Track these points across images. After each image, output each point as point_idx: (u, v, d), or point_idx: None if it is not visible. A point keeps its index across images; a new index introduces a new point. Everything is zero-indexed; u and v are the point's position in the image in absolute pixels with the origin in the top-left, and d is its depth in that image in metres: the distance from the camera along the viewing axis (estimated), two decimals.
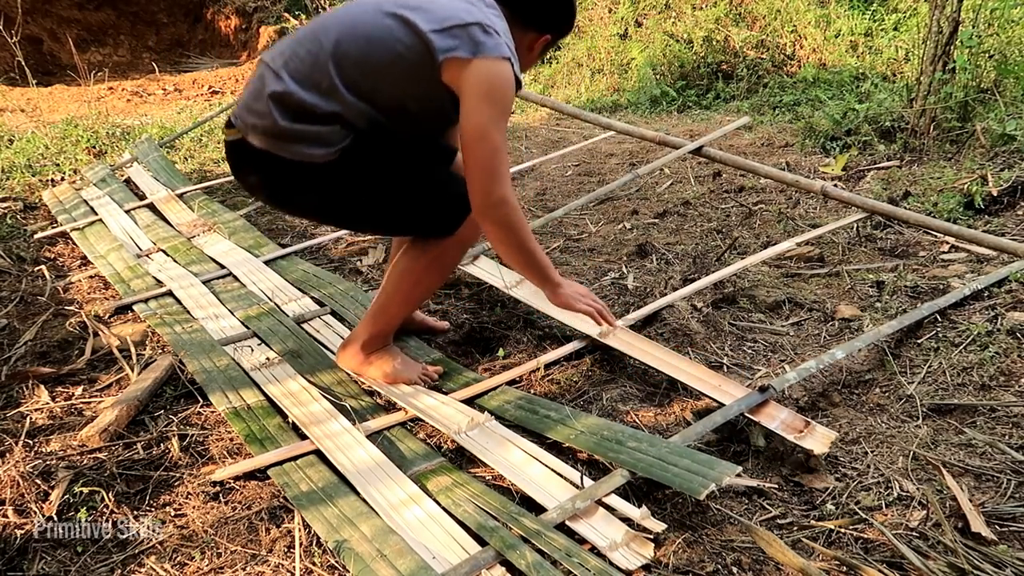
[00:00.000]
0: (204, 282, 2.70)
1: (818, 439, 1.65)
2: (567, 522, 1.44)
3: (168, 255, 3.03)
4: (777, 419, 1.72)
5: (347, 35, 1.66)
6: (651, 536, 1.40)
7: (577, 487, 1.54)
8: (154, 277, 2.77)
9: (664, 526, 1.42)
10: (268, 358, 2.13)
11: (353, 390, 1.99)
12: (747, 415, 1.75)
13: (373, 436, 1.78)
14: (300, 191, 1.77)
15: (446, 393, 1.96)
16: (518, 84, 1.67)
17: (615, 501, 1.48)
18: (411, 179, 1.82)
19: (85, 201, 3.68)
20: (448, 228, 1.84)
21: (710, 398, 1.85)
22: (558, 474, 1.59)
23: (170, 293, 2.62)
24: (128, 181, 4.10)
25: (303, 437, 1.76)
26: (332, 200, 1.80)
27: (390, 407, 1.93)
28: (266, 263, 2.87)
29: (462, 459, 1.73)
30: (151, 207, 3.62)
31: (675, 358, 2.01)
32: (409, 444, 1.76)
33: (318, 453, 1.71)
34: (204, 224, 3.32)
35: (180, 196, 3.70)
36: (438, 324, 2.35)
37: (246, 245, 3.05)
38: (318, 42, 1.67)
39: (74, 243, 3.25)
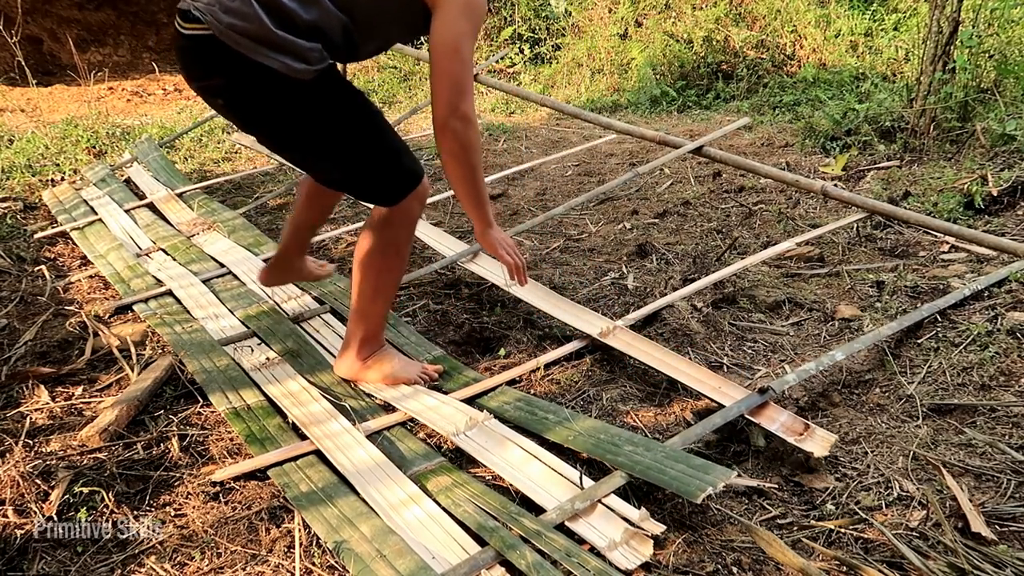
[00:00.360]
0: (204, 281, 2.70)
1: (818, 442, 1.65)
2: (566, 522, 1.44)
3: (168, 254, 3.03)
4: (777, 421, 1.72)
5: None
6: (650, 536, 1.40)
7: (578, 487, 1.54)
8: (154, 276, 2.77)
9: (663, 527, 1.42)
10: (268, 358, 2.13)
11: (352, 390, 1.99)
12: (747, 416, 1.75)
13: (373, 436, 1.78)
14: (267, 103, 1.70)
15: (446, 393, 1.96)
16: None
17: (614, 502, 1.48)
18: (373, 129, 1.80)
19: (85, 201, 3.68)
20: (393, 197, 1.82)
21: (709, 399, 1.85)
22: (559, 473, 1.59)
23: (170, 293, 2.62)
24: (128, 181, 4.10)
25: (303, 437, 1.77)
26: (297, 121, 1.74)
27: (390, 407, 1.93)
28: (265, 261, 2.87)
29: (462, 459, 1.73)
30: (151, 206, 3.62)
31: (675, 359, 2.01)
32: (409, 444, 1.76)
33: (318, 453, 1.71)
34: (203, 223, 3.32)
35: (180, 196, 3.70)
36: (322, 270, 2.31)
37: (246, 244, 3.05)
38: None
39: (74, 243, 3.25)
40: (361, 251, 1.89)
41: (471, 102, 1.68)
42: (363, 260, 1.88)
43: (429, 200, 3.97)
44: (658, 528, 1.41)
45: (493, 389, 1.97)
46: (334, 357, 2.14)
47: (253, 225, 3.30)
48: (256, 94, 1.69)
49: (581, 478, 1.55)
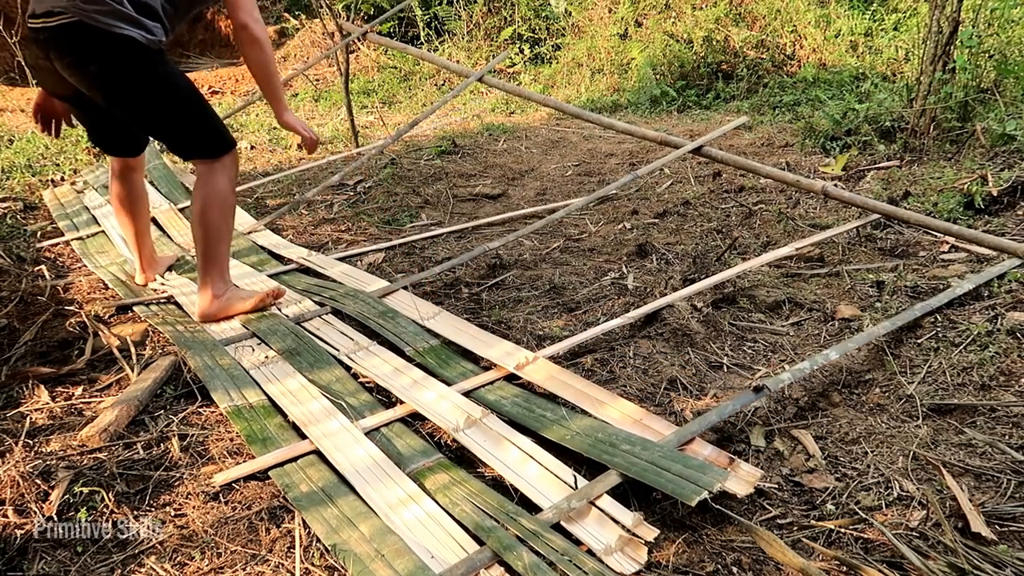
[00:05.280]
0: None
1: (742, 477, 1.54)
2: (563, 523, 1.44)
3: (170, 269, 2.98)
4: (701, 455, 1.62)
5: None
6: (644, 543, 1.39)
7: (572, 487, 1.53)
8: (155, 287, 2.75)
9: (656, 532, 1.41)
10: (267, 356, 2.13)
11: (351, 387, 1.99)
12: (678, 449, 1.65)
13: (371, 433, 1.78)
14: (130, 72, 2.10)
15: (448, 384, 1.96)
16: None
17: (609, 505, 1.47)
18: (201, 97, 2.27)
19: (87, 208, 3.65)
20: (219, 150, 2.28)
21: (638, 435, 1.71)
22: (554, 474, 1.59)
23: (171, 299, 2.60)
24: None
25: (303, 436, 1.76)
26: (153, 88, 2.15)
27: (388, 404, 1.93)
28: (269, 276, 2.83)
29: (460, 456, 1.73)
30: (153, 220, 3.56)
31: (597, 391, 1.88)
32: (407, 440, 1.76)
33: (318, 453, 1.71)
34: None
35: (182, 211, 3.65)
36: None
37: (250, 263, 3.00)
38: None
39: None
40: (199, 209, 2.29)
41: (254, 11, 2.19)
42: (203, 216, 2.29)
43: (431, 201, 3.98)
44: (652, 533, 1.40)
45: (491, 383, 1.98)
46: (335, 353, 2.14)
47: (259, 248, 3.19)
48: (121, 64, 2.09)
49: (576, 479, 1.55)
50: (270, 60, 2.26)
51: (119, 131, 2.44)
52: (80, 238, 3.30)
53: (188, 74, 2.32)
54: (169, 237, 3.38)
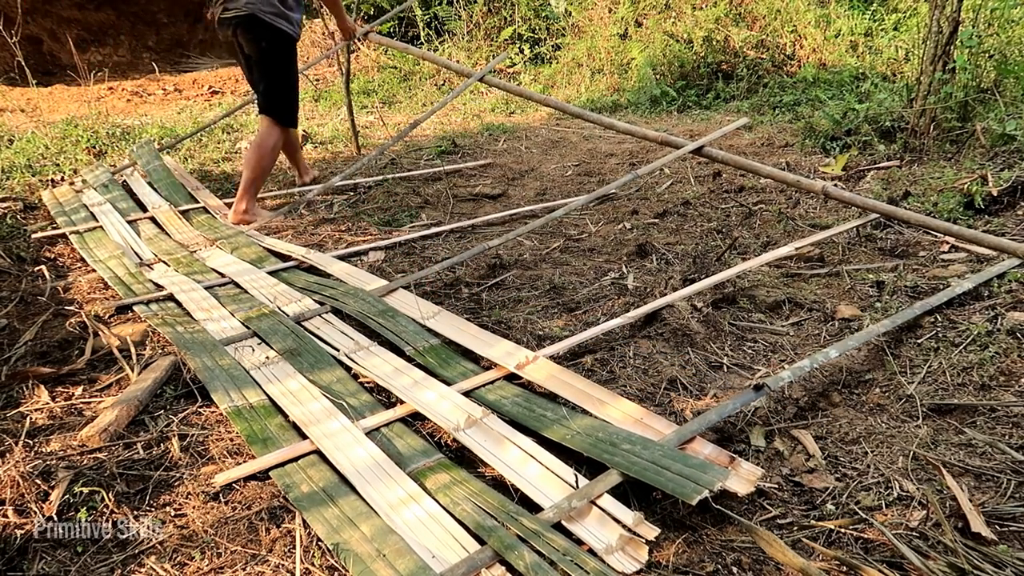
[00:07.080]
0: (206, 288, 2.68)
1: (743, 475, 1.53)
2: (564, 522, 1.44)
3: (168, 265, 2.99)
4: (702, 454, 1.63)
5: None
6: (645, 542, 1.39)
7: (573, 487, 1.53)
8: (154, 283, 2.75)
9: (657, 531, 1.41)
10: (268, 356, 2.13)
11: (351, 388, 1.99)
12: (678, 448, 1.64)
13: (372, 433, 1.78)
14: (278, 50, 3.40)
15: (448, 384, 1.96)
16: None
17: (610, 505, 1.47)
18: (298, 86, 3.61)
19: (85, 206, 3.65)
20: (286, 122, 3.56)
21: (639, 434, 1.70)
22: (555, 474, 1.59)
23: (171, 297, 2.61)
24: (125, 184, 4.07)
25: (304, 436, 1.76)
26: (285, 62, 3.44)
27: (389, 404, 1.93)
28: (269, 274, 2.84)
29: (461, 456, 1.73)
30: (152, 220, 3.57)
31: (598, 391, 1.87)
32: (408, 440, 1.76)
33: (319, 453, 1.70)
34: (206, 239, 3.28)
35: (184, 213, 3.65)
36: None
37: (249, 260, 3.01)
38: None
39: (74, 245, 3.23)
40: (258, 153, 3.48)
41: None
42: (259, 155, 3.48)
43: (431, 201, 3.99)
44: (653, 532, 1.40)
45: (492, 383, 1.98)
46: (335, 353, 2.15)
47: (260, 246, 3.19)
48: (277, 46, 3.39)
49: (576, 478, 1.55)
50: None
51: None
52: (78, 232, 3.30)
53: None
54: (168, 235, 3.39)
